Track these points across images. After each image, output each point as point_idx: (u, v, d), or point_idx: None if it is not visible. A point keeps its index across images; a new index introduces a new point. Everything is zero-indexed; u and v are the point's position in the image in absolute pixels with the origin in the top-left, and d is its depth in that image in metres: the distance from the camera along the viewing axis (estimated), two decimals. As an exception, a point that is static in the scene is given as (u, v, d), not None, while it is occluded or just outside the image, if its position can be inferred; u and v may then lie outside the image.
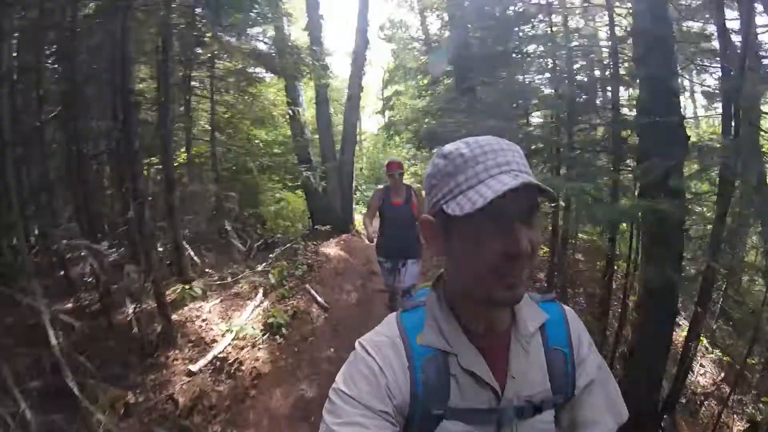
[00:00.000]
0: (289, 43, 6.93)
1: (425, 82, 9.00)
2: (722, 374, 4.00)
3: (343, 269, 5.54)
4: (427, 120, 6.93)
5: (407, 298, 3.55)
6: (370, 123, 19.53)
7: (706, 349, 4.25)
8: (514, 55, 4.32)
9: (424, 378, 0.67)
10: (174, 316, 3.65)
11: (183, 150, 5.91)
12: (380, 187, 3.80)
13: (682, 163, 3.01)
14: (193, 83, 5.84)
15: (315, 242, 6.46)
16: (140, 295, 3.48)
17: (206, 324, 3.77)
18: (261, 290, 4.52)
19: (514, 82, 4.23)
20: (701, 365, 4.08)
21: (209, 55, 5.90)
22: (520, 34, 4.29)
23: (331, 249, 6.18)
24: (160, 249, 4.57)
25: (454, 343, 0.69)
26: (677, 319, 3.63)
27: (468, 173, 0.62)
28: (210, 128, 6.22)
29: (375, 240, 3.69)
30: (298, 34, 8.52)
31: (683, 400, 3.50)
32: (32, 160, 4.01)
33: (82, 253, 3.38)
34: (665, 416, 3.14)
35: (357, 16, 7.85)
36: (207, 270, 4.92)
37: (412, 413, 0.67)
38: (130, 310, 3.42)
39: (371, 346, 0.69)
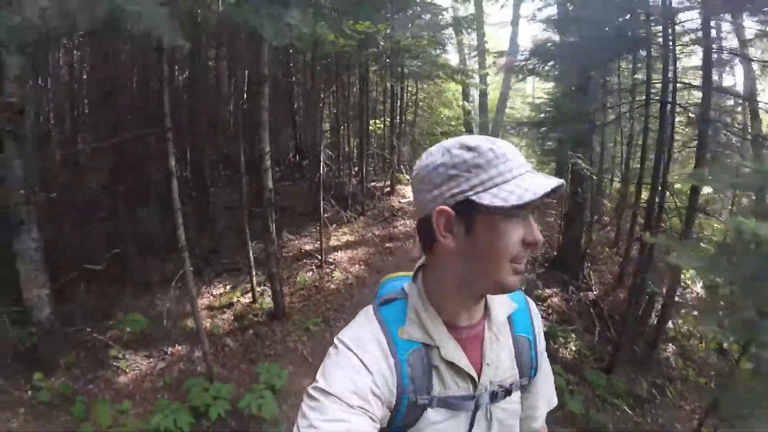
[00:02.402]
0: (464, 66, 11.85)
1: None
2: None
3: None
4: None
5: None
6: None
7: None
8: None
9: (410, 371, 0.69)
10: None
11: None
12: None
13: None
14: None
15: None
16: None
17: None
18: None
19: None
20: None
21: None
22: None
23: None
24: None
25: (436, 336, 0.71)
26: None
27: (500, 168, 0.64)
28: (413, 106, 11.60)
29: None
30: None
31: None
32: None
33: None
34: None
35: (509, 41, 12.21)
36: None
37: (398, 405, 0.69)
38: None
39: (353, 341, 0.70)
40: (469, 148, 0.66)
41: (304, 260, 5.68)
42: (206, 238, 5.46)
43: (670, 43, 4.49)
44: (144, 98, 4.69)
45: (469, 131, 12.35)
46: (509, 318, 0.81)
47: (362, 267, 5.60)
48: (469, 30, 11.80)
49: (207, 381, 3.06)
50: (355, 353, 0.67)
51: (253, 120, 5.20)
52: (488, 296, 0.77)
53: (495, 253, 0.65)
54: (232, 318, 4.31)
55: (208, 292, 4.83)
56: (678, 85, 4.87)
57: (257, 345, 3.84)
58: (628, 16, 5.01)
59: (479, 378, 0.73)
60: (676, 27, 4.64)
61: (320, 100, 7.31)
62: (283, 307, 4.29)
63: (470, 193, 0.64)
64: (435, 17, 9.04)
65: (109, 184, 4.84)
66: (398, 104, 9.84)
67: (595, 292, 5.92)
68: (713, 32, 4.77)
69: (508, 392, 0.77)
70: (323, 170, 6.08)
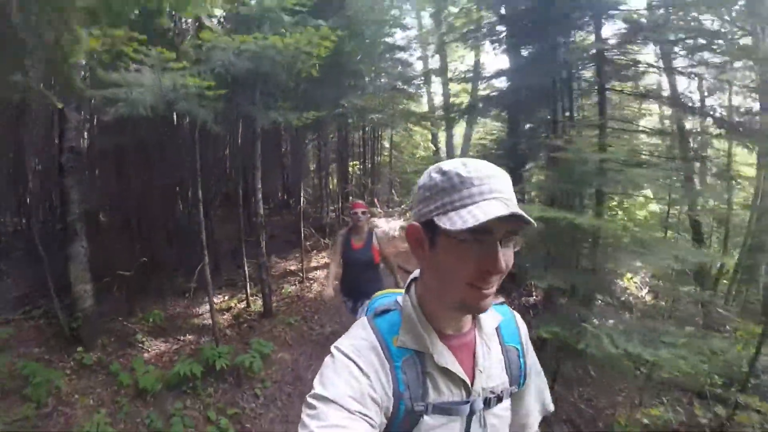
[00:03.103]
0: (433, 112, 13.64)
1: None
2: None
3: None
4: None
5: None
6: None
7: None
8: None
9: (405, 378, 0.73)
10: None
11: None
12: (342, 231, 3.88)
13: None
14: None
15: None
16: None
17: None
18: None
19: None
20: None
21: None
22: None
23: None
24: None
25: (429, 344, 0.75)
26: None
27: (463, 193, 0.68)
28: (390, 147, 13.21)
29: (332, 293, 3.82)
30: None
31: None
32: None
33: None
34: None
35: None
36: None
37: (395, 412, 0.72)
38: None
39: (351, 350, 0.73)
40: (442, 172, 0.71)
41: (289, 277, 6.94)
42: (210, 259, 6.75)
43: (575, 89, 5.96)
44: (173, 152, 6.12)
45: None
46: (497, 329, 0.85)
47: (336, 281, 6.85)
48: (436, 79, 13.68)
49: (214, 344, 4.27)
50: (352, 360, 0.71)
51: (247, 164, 6.62)
52: None
53: (449, 274, 0.70)
54: (231, 318, 5.51)
55: (207, 310, 6.07)
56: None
57: (250, 333, 5.04)
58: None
59: (472, 384, 0.77)
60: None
61: (304, 147, 8.81)
62: (270, 307, 5.52)
63: (433, 214, 0.70)
64: (405, 69, 10.67)
65: (142, 213, 6.19)
66: (369, 148, 11.42)
67: (536, 297, 7.14)
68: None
69: (499, 399, 0.81)
70: (303, 203, 7.47)
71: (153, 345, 4.73)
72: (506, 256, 0.69)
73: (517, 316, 0.93)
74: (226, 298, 6.12)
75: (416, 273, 0.83)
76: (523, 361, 0.88)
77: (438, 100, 15.25)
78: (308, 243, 7.88)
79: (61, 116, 4.47)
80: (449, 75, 11.17)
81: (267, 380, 4.20)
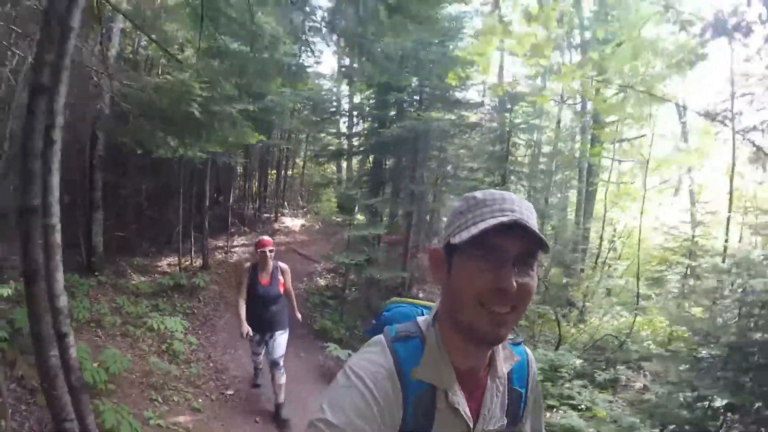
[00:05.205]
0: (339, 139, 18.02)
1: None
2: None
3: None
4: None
5: (278, 369, 4.08)
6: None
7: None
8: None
9: (414, 411, 0.74)
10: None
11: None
12: (248, 265, 4.09)
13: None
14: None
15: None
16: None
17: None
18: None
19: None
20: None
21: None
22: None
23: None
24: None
25: (447, 381, 0.76)
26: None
27: (476, 212, 0.72)
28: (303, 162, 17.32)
29: (248, 329, 3.93)
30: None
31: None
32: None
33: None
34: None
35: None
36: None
37: None
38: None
39: (368, 376, 0.72)
40: (464, 198, 0.76)
41: (218, 249, 10.82)
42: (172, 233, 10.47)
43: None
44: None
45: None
46: (509, 372, 0.85)
47: (249, 255, 10.88)
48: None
49: (179, 272, 8.17)
50: (367, 385, 0.70)
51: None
52: (495, 348, 0.80)
53: (460, 293, 0.71)
54: (184, 267, 9.34)
55: (167, 263, 9.78)
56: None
57: (196, 274, 8.91)
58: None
59: (474, 425, 0.79)
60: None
61: (234, 158, 12.63)
62: (207, 263, 9.42)
63: (450, 235, 0.74)
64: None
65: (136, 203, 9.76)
66: (284, 163, 15.49)
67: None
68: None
69: None
70: (231, 201, 11.43)
71: (138, 277, 8.44)
72: (523, 280, 0.69)
73: (531, 357, 0.93)
74: (179, 258, 9.90)
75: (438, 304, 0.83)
76: (523, 404, 0.89)
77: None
78: (233, 229, 11.76)
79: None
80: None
81: (205, 294, 8.17)
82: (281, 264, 4.15)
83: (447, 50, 8.63)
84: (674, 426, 4.22)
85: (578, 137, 13.30)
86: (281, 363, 4.16)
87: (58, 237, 2.54)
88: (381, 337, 0.81)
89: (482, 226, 0.68)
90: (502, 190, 0.76)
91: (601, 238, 14.50)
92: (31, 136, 2.38)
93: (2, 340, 3.85)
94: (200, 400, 4.70)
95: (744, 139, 5.96)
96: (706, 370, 4.30)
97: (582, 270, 13.23)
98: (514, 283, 0.67)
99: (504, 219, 0.68)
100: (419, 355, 0.77)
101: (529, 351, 0.92)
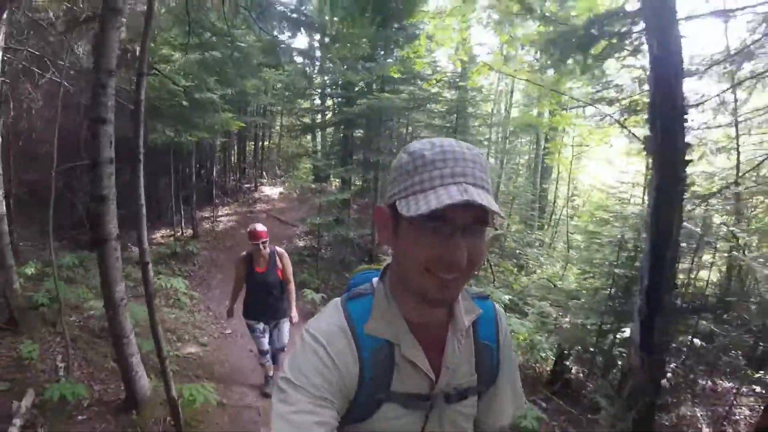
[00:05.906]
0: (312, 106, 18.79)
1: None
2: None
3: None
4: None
5: (285, 352, 4.04)
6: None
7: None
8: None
9: (372, 366, 0.74)
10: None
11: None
12: (243, 254, 3.88)
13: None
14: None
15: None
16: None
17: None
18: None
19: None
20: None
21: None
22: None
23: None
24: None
25: (398, 334, 0.76)
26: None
27: (423, 176, 0.66)
28: (279, 133, 18.15)
29: (232, 312, 4.02)
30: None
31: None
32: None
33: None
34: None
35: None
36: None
37: (357, 397, 0.74)
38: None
39: (321, 334, 0.74)
40: (409, 153, 0.70)
41: (205, 219, 11.95)
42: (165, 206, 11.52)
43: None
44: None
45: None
46: (474, 324, 0.83)
47: (234, 223, 12.06)
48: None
49: (173, 242, 9.37)
50: (322, 345, 0.72)
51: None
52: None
53: (408, 260, 0.69)
54: (176, 237, 10.50)
55: (160, 235, 10.90)
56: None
57: (187, 242, 10.10)
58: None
59: (437, 380, 0.77)
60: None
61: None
62: (197, 233, 10.59)
63: (395, 197, 0.70)
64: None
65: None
66: (261, 135, 16.35)
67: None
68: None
69: (463, 396, 0.81)
70: (214, 174, 12.45)
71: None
72: (472, 246, 0.66)
73: (500, 311, 0.90)
74: (174, 230, 11.05)
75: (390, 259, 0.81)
76: (495, 361, 0.86)
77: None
78: (217, 200, 12.85)
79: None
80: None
81: (198, 258, 9.43)
82: (278, 249, 3.94)
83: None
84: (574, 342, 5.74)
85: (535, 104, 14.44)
86: (287, 347, 4.17)
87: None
88: (337, 299, 0.82)
89: (432, 201, 0.62)
90: (451, 140, 0.70)
91: (555, 197, 16.16)
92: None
93: (43, 305, 5.10)
94: (205, 338, 6.07)
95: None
96: (599, 301, 5.80)
97: (540, 226, 14.90)
98: (463, 255, 0.65)
99: (456, 198, 0.62)
100: (371, 311, 0.77)
101: (498, 306, 0.90)
